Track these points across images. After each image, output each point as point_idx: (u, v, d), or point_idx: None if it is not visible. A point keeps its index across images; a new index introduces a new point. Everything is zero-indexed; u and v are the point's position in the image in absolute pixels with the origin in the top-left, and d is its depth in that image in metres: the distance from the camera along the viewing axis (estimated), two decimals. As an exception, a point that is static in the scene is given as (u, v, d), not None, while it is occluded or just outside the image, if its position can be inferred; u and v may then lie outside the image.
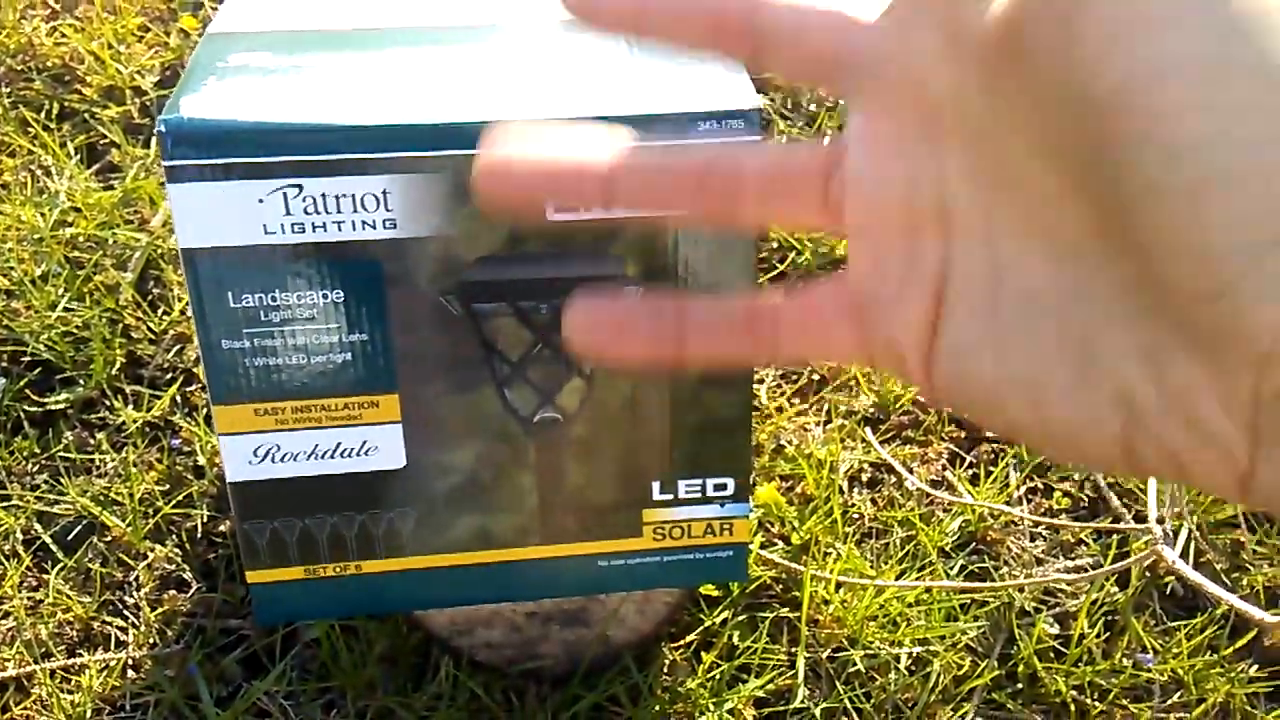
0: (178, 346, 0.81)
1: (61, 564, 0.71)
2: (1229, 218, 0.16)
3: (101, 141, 0.92)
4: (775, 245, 0.89)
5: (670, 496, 0.59)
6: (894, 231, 0.22)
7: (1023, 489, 0.79)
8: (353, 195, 0.49)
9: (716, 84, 0.52)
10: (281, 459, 0.55)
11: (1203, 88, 0.17)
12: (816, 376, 0.83)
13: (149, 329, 0.81)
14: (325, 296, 0.51)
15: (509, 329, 0.54)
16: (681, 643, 0.70)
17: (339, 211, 0.49)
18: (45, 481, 0.75)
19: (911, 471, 0.78)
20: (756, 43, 0.24)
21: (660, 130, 0.50)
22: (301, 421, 0.54)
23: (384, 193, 0.49)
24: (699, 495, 0.59)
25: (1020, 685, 0.71)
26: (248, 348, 0.52)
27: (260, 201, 0.49)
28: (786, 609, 0.71)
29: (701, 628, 0.70)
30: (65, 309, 0.80)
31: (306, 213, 0.49)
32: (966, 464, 0.80)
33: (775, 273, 0.87)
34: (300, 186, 0.49)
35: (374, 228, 0.50)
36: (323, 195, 0.49)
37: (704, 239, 0.52)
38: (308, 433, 0.54)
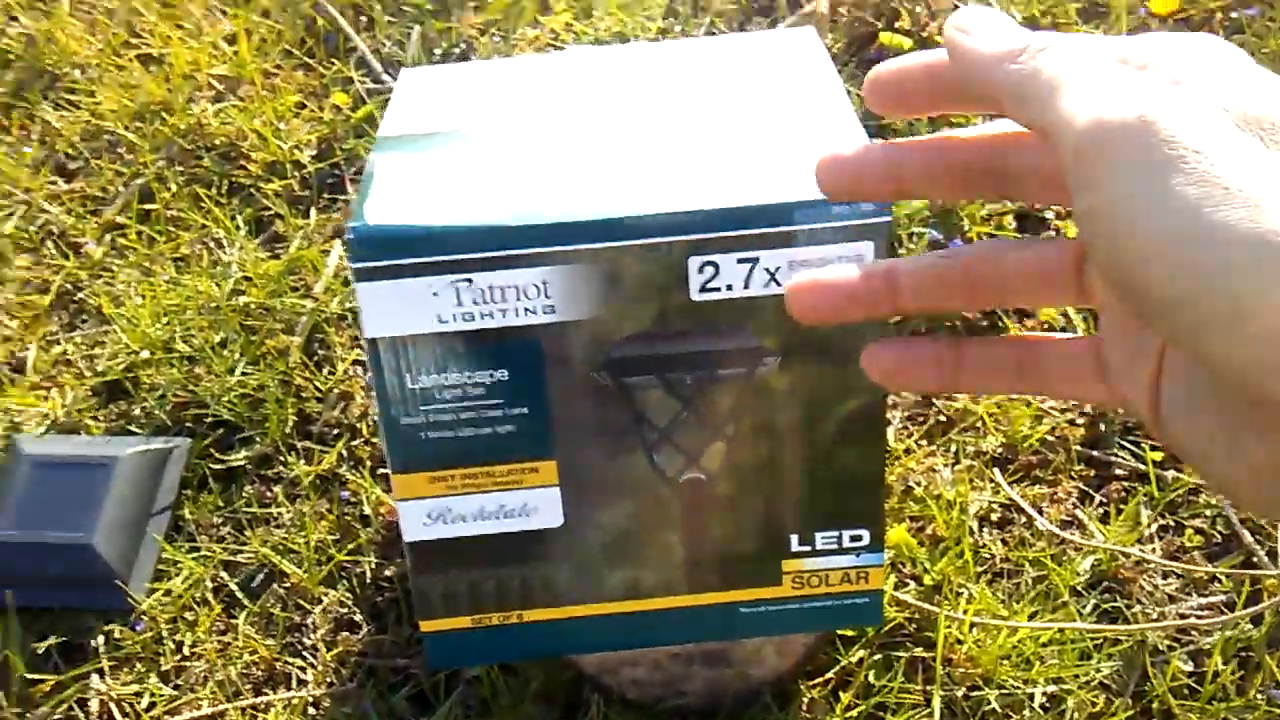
0: (342, 404, 0.88)
1: (246, 609, 0.79)
2: None
3: (266, 213, 1.00)
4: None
5: (808, 548, 0.63)
6: (1131, 316, 0.29)
7: (1154, 526, 0.80)
8: (516, 286, 0.55)
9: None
10: (452, 520, 0.60)
11: None
12: (944, 418, 0.86)
13: (316, 388, 0.89)
14: (492, 375, 0.57)
15: (656, 398, 0.58)
16: (819, 681, 0.73)
17: (504, 300, 0.55)
18: (229, 533, 0.82)
19: (1041, 512, 0.80)
20: (1005, 185, 0.32)
21: (795, 219, 0.54)
22: (470, 487, 0.59)
23: (544, 282, 0.55)
24: (835, 546, 0.63)
25: (1156, 724, 0.72)
26: (424, 422, 0.58)
27: (435, 295, 0.54)
28: (920, 649, 0.74)
29: (838, 667, 0.73)
30: (242, 373, 0.88)
31: (475, 303, 0.55)
32: (1097, 503, 0.81)
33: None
34: (470, 280, 0.54)
35: (535, 313, 0.55)
36: (490, 287, 0.54)
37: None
38: (475, 497, 0.60)
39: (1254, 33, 1.00)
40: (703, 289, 0.55)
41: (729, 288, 0.56)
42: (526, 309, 0.55)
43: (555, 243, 0.54)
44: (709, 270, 0.55)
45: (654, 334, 0.56)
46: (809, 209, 0.54)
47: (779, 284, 0.55)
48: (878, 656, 0.74)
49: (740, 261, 0.55)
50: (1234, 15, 1.03)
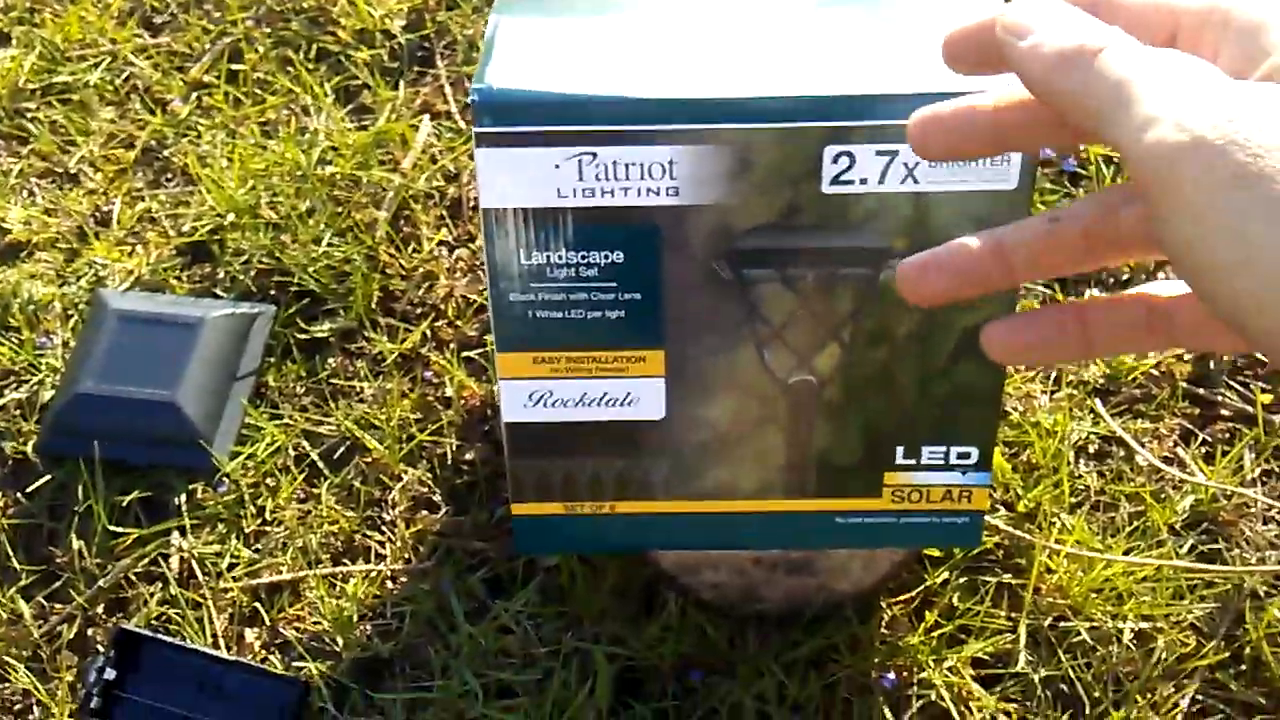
0: (427, 284, 0.86)
1: (328, 479, 0.78)
2: None
3: (354, 83, 0.98)
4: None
5: (913, 461, 0.61)
6: None
7: (1258, 470, 0.77)
8: (641, 164, 0.52)
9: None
10: (553, 404, 0.59)
11: None
12: (1043, 343, 0.82)
13: (401, 266, 0.87)
14: (607, 257, 0.54)
15: (773, 295, 0.56)
16: (902, 598, 0.72)
17: (627, 178, 0.52)
18: (312, 403, 0.82)
19: (1144, 446, 0.77)
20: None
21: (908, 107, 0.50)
22: (574, 371, 0.58)
23: (670, 162, 0.52)
24: (942, 462, 0.61)
25: (1245, 667, 0.70)
26: (533, 300, 0.56)
27: (557, 167, 0.52)
28: (1009, 575, 0.72)
29: (922, 586, 0.72)
30: (328, 244, 0.87)
31: (598, 179, 0.52)
32: (1200, 441, 0.78)
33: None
34: (595, 154, 0.52)
35: (658, 195, 0.53)
36: (614, 163, 0.52)
37: (965, 216, 0.53)
38: (579, 381, 0.58)
39: None
40: (835, 180, 0.53)
41: (863, 181, 0.53)
42: (650, 189, 0.53)
43: (686, 120, 0.51)
44: (844, 161, 0.52)
45: (779, 225, 0.54)
46: (920, 99, 0.50)
47: (916, 181, 0.52)
48: (964, 579, 0.72)
49: (879, 154, 0.52)
50: None
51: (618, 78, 0.52)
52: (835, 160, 0.52)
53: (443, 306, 0.85)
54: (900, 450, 0.60)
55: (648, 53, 0.54)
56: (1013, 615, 0.71)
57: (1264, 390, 0.79)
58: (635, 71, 0.52)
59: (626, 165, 0.52)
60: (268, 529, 0.76)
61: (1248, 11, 0.27)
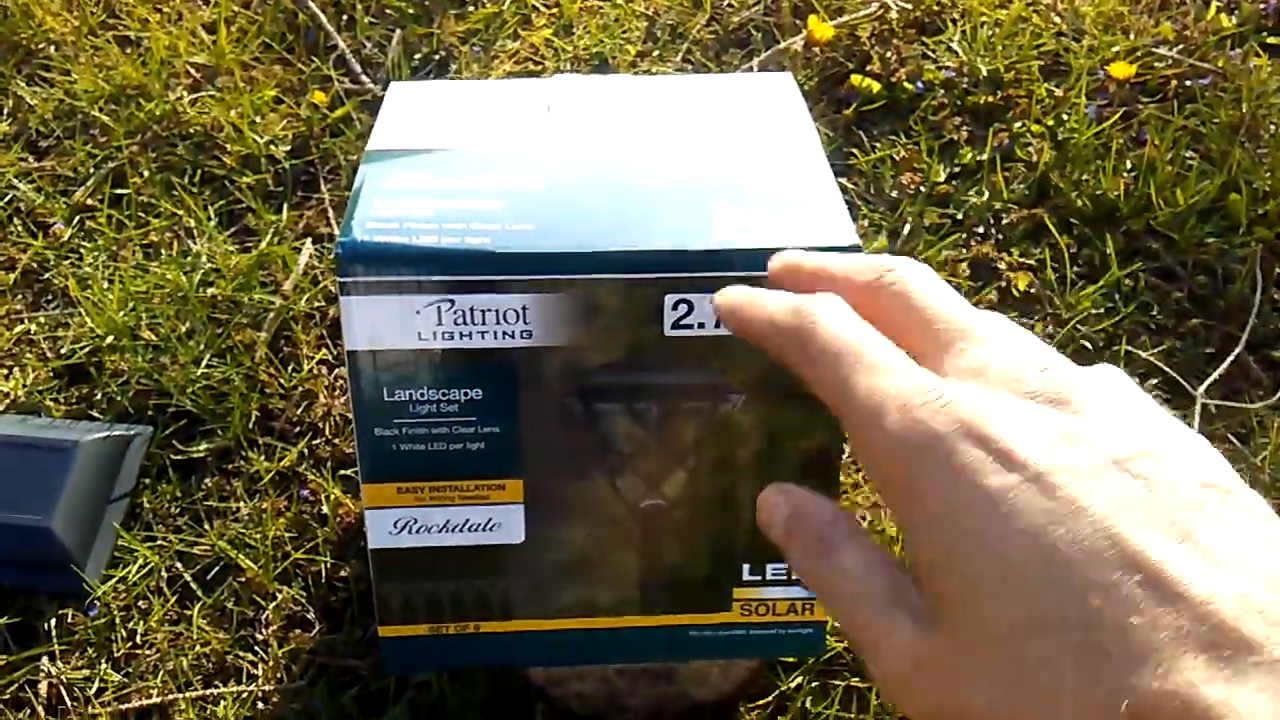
0: (306, 402, 0.89)
1: (200, 601, 0.79)
2: None
3: (239, 206, 1.01)
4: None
5: (759, 577, 0.65)
6: None
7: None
8: (496, 310, 0.56)
9: (817, 216, 0.59)
10: (417, 530, 0.62)
11: None
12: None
13: (280, 385, 0.90)
14: (467, 394, 0.58)
15: (622, 426, 0.60)
16: (759, 704, 0.76)
17: (484, 323, 0.57)
18: (186, 524, 0.83)
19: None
20: None
21: (767, 265, 0.56)
22: (437, 499, 0.61)
23: (523, 308, 0.57)
24: (784, 577, 0.65)
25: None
26: (397, 434, 0.59)
27: (418, 313, 0.56)
28: (857, 679, 0.77)
29: (777, 692, 0.76)
30: (207, 365, 0.89)
31: (456, 323, 0.57)
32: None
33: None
34: (452, 301, 0.56)
35: (513, 337, 0.57)
36: (470, 309, 0.56)
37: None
38: (442, 509, 0.61)
39: (1205, 102, 1.05)
40: (676, 325, 0.58)
41: (701, 325, 0.58)
42: (505, 332, 0.57)
43: (537, 271, 0.56)
44: (683, 308, 0.58)
45: (626, 364, 0.59)
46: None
47: (749, 325, 0.58)
48: (816, 684, 0.76)
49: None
50: (1188, 83, 1.08)
51: (473, 230, 0.57)
52: (675, 307, 0.57)
53: (321, 425, 0.88)
54: (747, 568, 0.65)
55: (505, 205, 0.59)
56: (861, 717, 0.75)
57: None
58: (491, 223, 0.57)
59: (483, 311, 0.56)
60: (138, 652, 0.77)
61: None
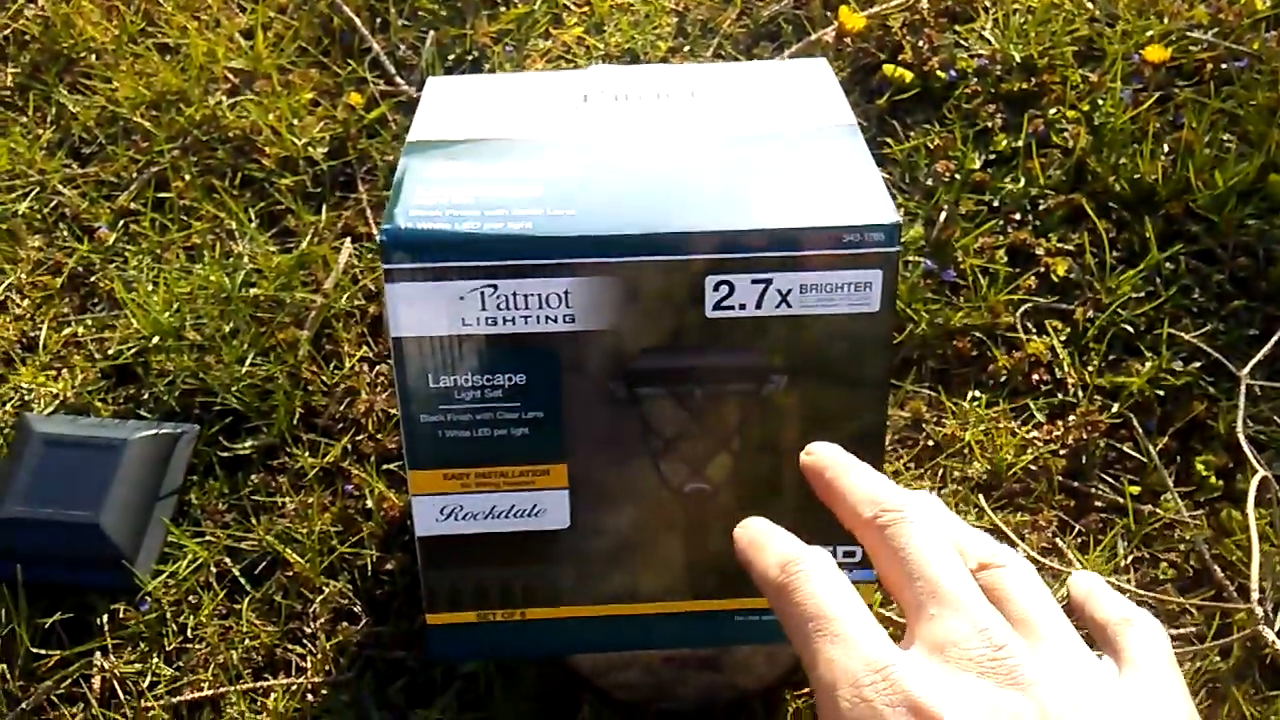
0: (348, 399, 0.90)
1: (249, 595, 0.80)
2: None
3: (278, 208, 1.02)
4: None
5: (803, 560, 0.65)
6: None
7: (1130, 558, 0.83)
8: (539, 294, 0.57)
9: (856, 196, 0.59)
10: (463, 518, 0.62)
11: None
12: (932, 443, 0.88)
13: (323, 383, 0.91)
14: (510, 380, 0.59)
15: (665, 410, 0.61)
16: (804, 691, 0.75)
17: (526, 308, 0.57)
18: (234, 520, 0.84)
19: (1023, 538, 0.83)
20: None
21: (808, 244, 0.56)
22: (483, 486, 0.62)
23: (565, 293, 0.57)
24: (829, 561, 0.65)
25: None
26: (442, 421, 0.60)
27: (461, 299, 0.57)
28: (902, 664, 0.76)
29: (822, 678, 0.75)
30: (251, 363, 0.90)
31: (499, 308, 0.57)
32: (1076, 532, 0.84)
33: (895, 340, 0.92)
34: (496, 286, 0.57)
35: (555, 322, 0.58)
36: (513, 294, 0.57)
37: (833, 335, 0.59)
38: (487, 495, 0.62)
39: (1242, 84, 1.04)
40: (717, 306, 0.58)
41: (742, 306, 0.58)
42: (547, 317, 0.58)
43: (579, 255, 0.56)
44: (724, 289, 0.58)
45: (668, 347, 0.59)
46: (821, 235, 0.56)
47: (790, 305, 0.58)
48: (861, 669, 0.76)
49: (754, 282, 0.57)
50: (1223, 66, 1.07)
51: (515, 215, 0.57)
52: (716, 289, 0.58)
53: (363, 421, 0.89)
54: (791, 550, 0.65)
55: (545, 190, 0.60)
56: (907, 703, 0.75)
57: (1132, 483, 0.86)
58: (532, 209, 0.58)
59: (525, 296, 0.57)
60: (189, 646, 0.78)
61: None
